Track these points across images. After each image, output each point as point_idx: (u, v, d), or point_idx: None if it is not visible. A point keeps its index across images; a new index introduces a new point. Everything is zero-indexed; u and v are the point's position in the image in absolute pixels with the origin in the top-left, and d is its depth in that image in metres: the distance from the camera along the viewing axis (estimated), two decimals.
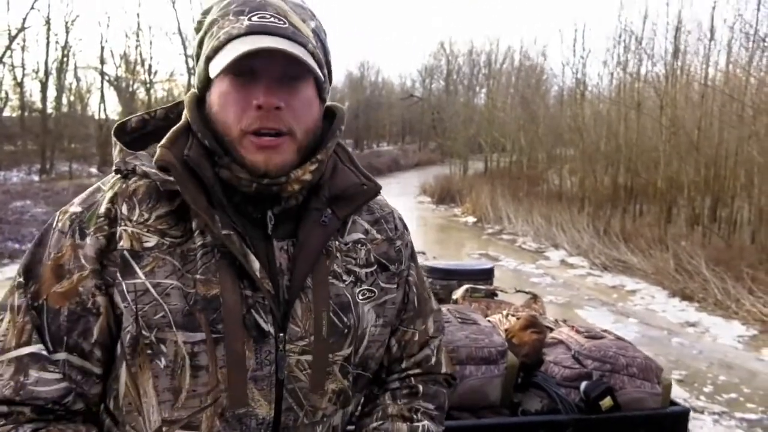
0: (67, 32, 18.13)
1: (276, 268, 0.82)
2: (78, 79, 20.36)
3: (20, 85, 18.63)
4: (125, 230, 0.78)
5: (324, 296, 0.83)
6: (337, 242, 0.88)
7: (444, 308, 1.87)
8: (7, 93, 18.95)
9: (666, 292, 7.75)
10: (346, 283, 0.87)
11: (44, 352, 0.76)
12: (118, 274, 0.77)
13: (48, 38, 18.01)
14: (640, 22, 13.22)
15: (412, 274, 0.98)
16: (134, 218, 0.79)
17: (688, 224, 10.08)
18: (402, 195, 18.99)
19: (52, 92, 18.80)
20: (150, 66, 20.03)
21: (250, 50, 0.73)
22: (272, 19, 0.77)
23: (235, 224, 0.79)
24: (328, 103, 0.89)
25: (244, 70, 0.76)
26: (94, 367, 0.79)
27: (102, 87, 20.54)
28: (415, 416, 0.94)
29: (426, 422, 0.94)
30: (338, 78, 41.88)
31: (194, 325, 0.76)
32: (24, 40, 18.03)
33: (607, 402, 1.57)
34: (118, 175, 0.82)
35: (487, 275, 2.66)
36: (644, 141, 12.25)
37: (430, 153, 32.50)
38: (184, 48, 20.30)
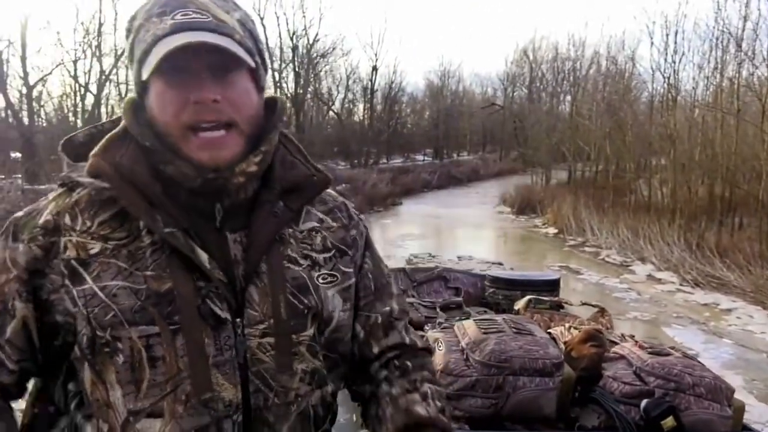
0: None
1: (231, 258, 0.84)
2: None
3: (124, 100, 20.18)
4: (70, 240, 0.82)
5: (280, 279, 0.85)
6: (291, 230, 0.90)
7: (498, 318, 1.85)
8: (113, 108, 20.61)
9: (766, 312, 7.15)
10: (303, 266, 0.89)
11: None
12: (67, 282, 0.81)
13: None
14: (738, 21, 12.30)
15: (367, 261, 1.00)
16: (77, 228, 0.82)
17: None
18: (481, 205, 18.76)
19: None
20: None
21: (176, 46, 0.75)
22: (194, 15, 0.79)
23: (179, 220, 0.81)
24: (268, 94, 0.91)
25: (176, 68, 0.78)
26: (7, 361, 0.83)
27: None
28: (417, 386, 0.96)
29: (429, 385, 0.96)
30: (418, 87, 42.18)
31: (147, 319, 0.79)
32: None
33: (669, 422, 1.49)
34: (62, 189, 0.86)
35: (552, 286, 2.59)
36: (744, 150, 11.39)
37: (511, 162, 31.86)
38: None
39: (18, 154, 15.96)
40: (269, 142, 0.87)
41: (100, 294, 0.80)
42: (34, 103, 17.76)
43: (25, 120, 17.10)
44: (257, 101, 0.86)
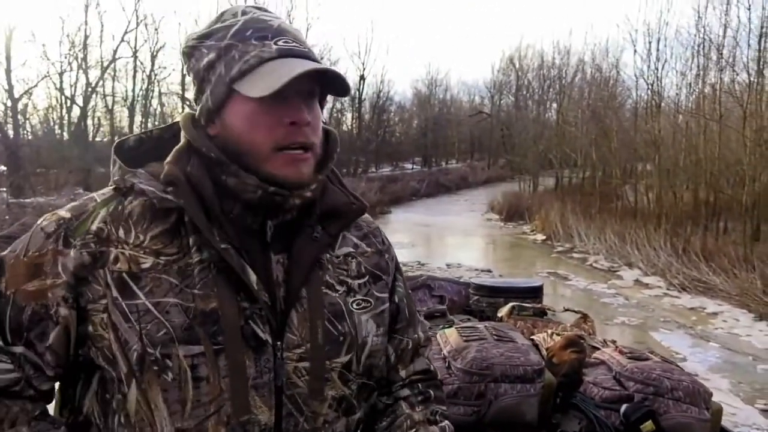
0: (153, 61, 19.45)
1: (273, 279, 0.85)
2: (162, 105, 21.66)
3: (111, 111, 20.12)
4: (122, 253, 0.81)
5: (318, 305, 0.87)
6: (328, 255, 0.91)
7: (480, 325, 1.86)
8: (99, 119, 20.54)
9: (752, 315, 7.24)
10: (339, 292, 0.90)
11: (0, 343, 0.81)
12: (116, 295, 0.80)
13: (135, 68, 19.41)
14: (718, 29, 12.51)
15: (400, 285, 1.02)
16: (131, 241, 0.81)
17: None
18: (469, 212, 18.83)
19: (138, 118, 20.17)
20: None
21: (308, 70, 0.79)
22: (294, 44, 0.83)
23: (232, 238, 0.82)
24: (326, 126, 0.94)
25: (277, 91, 0.80)
26: (46, 368, 0.82)
27: (183, 111, 21.69)
28: (437, 419, 0.98)
29: (446, 422, 0.98)
30: (406, 96, 42.34)
31: (194, 338, 0.79)
32: (114, 71, 19.52)
33: (648, 426, 1.51)
34: (114, 192, 0.86)
35: (535, 293, 2.61)
36: (727, 155, 11.55)
37: (499, 169, 32.03)
38: None
39: (3, 168, 15.81)
40: (328, 170, 0.90)
41: (154, 310, 0.79)
42: (20, 116, 17.63)
43: (11, 133, 16.96)
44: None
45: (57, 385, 0.88)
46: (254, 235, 0.86)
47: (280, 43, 0.82)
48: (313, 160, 0.85)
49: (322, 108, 0.89)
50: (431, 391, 1.01)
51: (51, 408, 0.89)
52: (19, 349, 0.81)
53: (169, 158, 0.85)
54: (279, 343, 0.83)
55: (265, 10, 0.89)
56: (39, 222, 0.86)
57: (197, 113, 0.87)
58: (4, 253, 0.85)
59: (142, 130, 0.95)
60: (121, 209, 0.84)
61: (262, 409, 0.82)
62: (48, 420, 0.84)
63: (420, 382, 1.01)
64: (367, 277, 0.95)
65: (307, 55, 0.83)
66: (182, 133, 0.88)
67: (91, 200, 0.87)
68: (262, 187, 0.82)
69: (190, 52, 0.87)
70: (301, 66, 0.79)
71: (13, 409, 0.81)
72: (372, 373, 0.94)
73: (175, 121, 0.94)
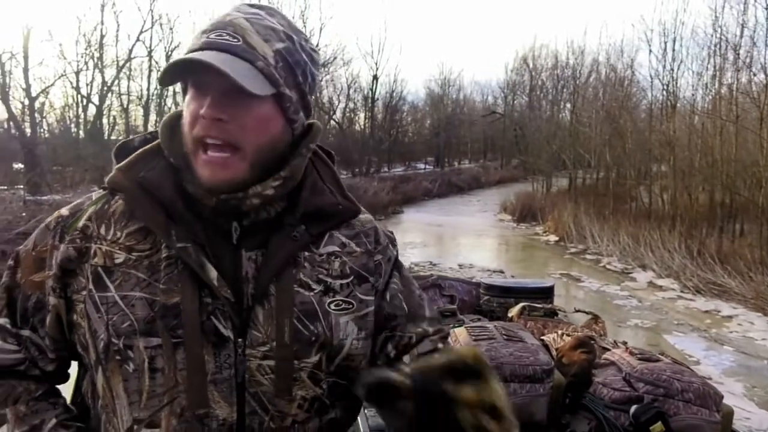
0: (167, 61, 19.57)
1: (242, 276, 0.85)
2: (176, 104, 21.81)
3: (126, 110, 20.34)
4: (99, 248, 0.85)
5: (287, 303, 0.85)
6: (307, 253, 0.89)
7: (490, 325, 1.87)
8: (114, 118, 20.75)
9: (767, 319, 7.13)
10: (314, 291, 0.88)
11: (9, 326, 0.89)
12: (91, 287, 0.84)
13: (150, 67, 19.59)
14: (735, 29, 12.34)
15: (395, 282, 0.98)
16: (108, 237, 0.86)
17: None
18: (482, 213, 18.76)
19: (153, 117, 20.36)
20: None
21: (176, 61, 0.80)
22: (227, 37, 0.81)
23: (197, 236, 0.83)
24: (310, 120, 0.92)
25: (199, 83, 0.81)
26: (47, 350, 0.89)
27: None
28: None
29: None
30: (419, 95, 42.26)
31: (153, 330, 0.82)
32: (130, 70, 19.72)
33: (658, 427, 1.50)
34: (106, 192, 0.90)
35: (546, 294, 2.60)
36: (744, 156, 11.40)
37: (512, 170, 31.89)
38: None
39: (20, 165, 16.03)
40: (291, 168, 0.87)
41: (120, 302, 0.83)
42: (37, 115, 17.85)
43: (28, 131, 17.18)
44: (278, 130, 0.86)
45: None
46: (226, 235, 0.86)
47: (212, 36, 0.81)
48: (237, 163, 0.82)
49: (286, 109, 0.85)
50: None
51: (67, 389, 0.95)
52: (26, 333, 0.89)
53: (122, 164, 0.88)
54: (240, 339, 0.83)
55: (253, 6, 0.87)
56: (46, 219, 0.92)
57: None
58: (20, 247, 0.92)
59: (148, 131, 0.96)
60: (107, 208, 0.88)
61: (221, 404, 0.83)
62: (48, 400, 0.89)
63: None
64: (351, 277, 0.92)
65: (233, 50, 0.80)
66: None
67: (87, 199, 0.92)
68: (215, 195, 0.83)
69: None
70: (205, 57, 0.78)
71: (18, 389, 0.88)
72: (346, 374, 0.90)
73: None
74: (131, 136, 0.96)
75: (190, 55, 0.79)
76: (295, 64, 0.86)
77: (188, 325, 0.82)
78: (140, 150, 0.89)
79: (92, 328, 0.84)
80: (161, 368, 0.82)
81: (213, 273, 0.83)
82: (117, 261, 0.85)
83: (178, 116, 0.88)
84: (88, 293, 0.84)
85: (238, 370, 0.83)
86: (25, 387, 0.89)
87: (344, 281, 0.91)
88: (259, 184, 0.85)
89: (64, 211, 0.91)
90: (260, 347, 0.84)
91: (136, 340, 0.82)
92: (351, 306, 0.90)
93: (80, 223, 0.87)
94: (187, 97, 0.84)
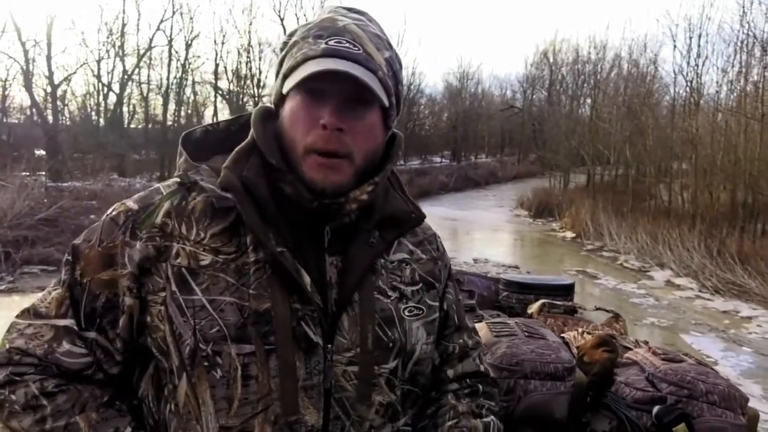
0: (187, 50, 19.75)
1: (326, 281, 0.86)
2: (195, 93, 21.99)
3: (146, 99, 20.54)
4: (183, 248, 0.83)
5: (370, 310, 0.87)
6: (382, 260, 0.91)
7: (511, 321, 1.85)
8: (134, 107, 20.97)
9: None
10: (391, 298, 0.90)
11: (76, 327, 0.84)
12: (175, 288, 0.82)
13: (170, 56, 19.74)
14: (764, 24, 12.10)
15: (450, 292, 1.01)
16: (191, 237, 0.84)
17: None
18: (498, 208, 18.67)
19: (172, 106, 20.53)
20: (259, 80, 21.24)
21: (320, 70, 0.78)
22: (347, 44, 0.82)
23: (287, 240, 0.83)
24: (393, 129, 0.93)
25: (315, 89, 0.81)
26: (115, 353, 0.86)
27: (215, 101, 22.06)
28: (483, 412, 0.98)
29: (492, 417, 0.98)
30: (437, 88, 42.02)
31: (245, 337, 0.81)
32: (150, 59, 19.88)
33: (681, 429, 1.48)
34: (179, 186, 0.88)
35: (566, 291, 2.58)
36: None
37: (529, 165, 31.64)
38: None
39: (42, 152, 16.27)
40: (383, 175, 0.89)
41: (209, 307, 0.81)
42: (59, 102, 18.11)
43: (50, 118, 17.43)
44: (380, 138, 0.88)
45: None
46: (311, 236, 0.86)
47: (331, 42, 0.81)
48: (348, 168, 0.83)
49: (387, 118, 0.87)
50: (480, 386, 1.01)
51: None
52: (91, 335, 0.84)
53: (227, 161, 0.86)
54: (329, 345, 0.84)
55: (351, 10, 0.88)
56: (108, 212, 0.88)
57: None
58: (78, 241, 0.88)
59: (210, 122, 0.96)
60: (185, 204, 0.86)
61: (311, 411, 0.83)
62: (115, 407, 0.86)
63: (469, 377, 1.02)
64: (420, 284, 0.95)
65: (356, 58, 0.81)
66: (251, 130, 0.89)
67: (156, 192, 0.89)
68: (317, 198, 0.83)
69: (281, 48, 0.89)
70: (334, 65, 0.78)
71: (84, 394, 0.84)
72: (417, 381, 0.93)
73: (242, 113, 0.96)
74: (193, 128, 0.95)
75: (329, 66, 0.78)
76: (397, 73, 0.88)
77: (280, 332, 0.81)
78: (238, 148, 0.88)
79: (176, 332, 0.82)
80: (255, 375, 0.81)
81: (307, 278, 0.83)
82: (203, 263, 0.83)
83: (269, 113, 0.88)
84: (171, 295, 0.82)
85: (327, 376, 0.84)
86: (90, 392, 0.84)
87: (415, 288, 0.94)
88: (357, 189, 0.85)
89: (132, 204, 0.87)
90: (345, 353, 0.85)
91: (226, 346, 0.80)
92: (421, 312, 0.93)
93: (158, 220, 0.85)
94: (297, 101, 0.83)
